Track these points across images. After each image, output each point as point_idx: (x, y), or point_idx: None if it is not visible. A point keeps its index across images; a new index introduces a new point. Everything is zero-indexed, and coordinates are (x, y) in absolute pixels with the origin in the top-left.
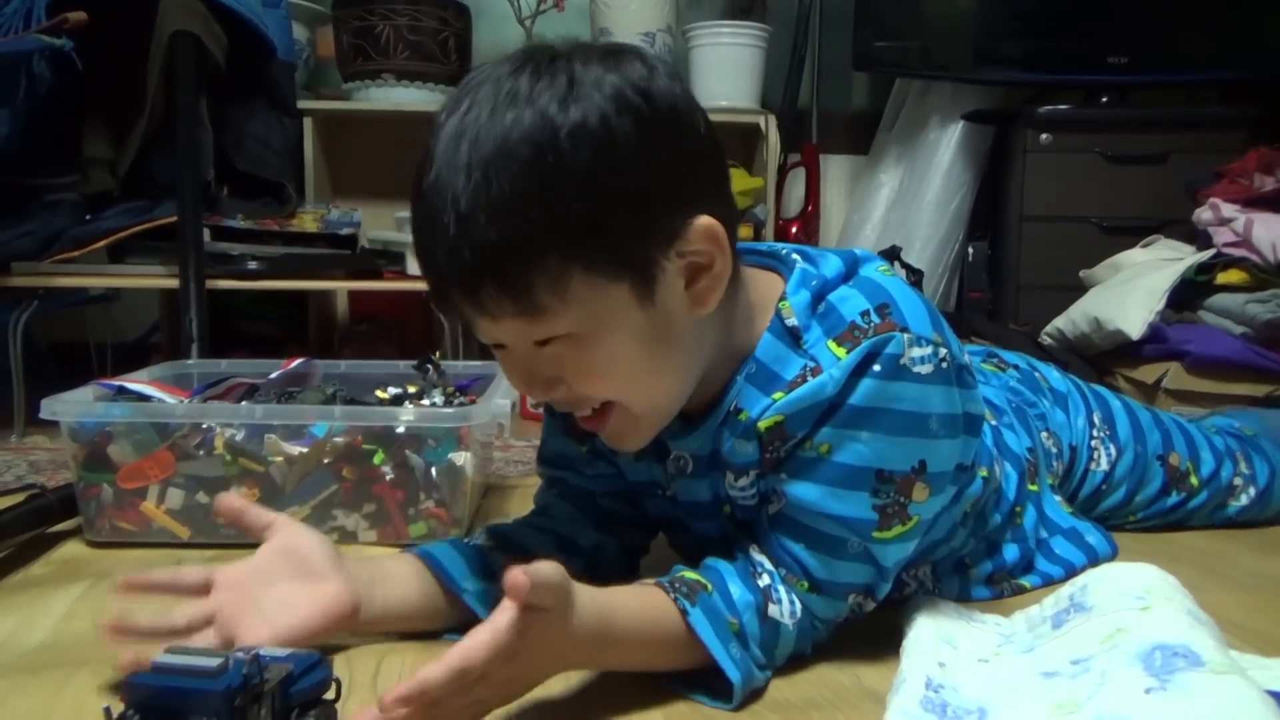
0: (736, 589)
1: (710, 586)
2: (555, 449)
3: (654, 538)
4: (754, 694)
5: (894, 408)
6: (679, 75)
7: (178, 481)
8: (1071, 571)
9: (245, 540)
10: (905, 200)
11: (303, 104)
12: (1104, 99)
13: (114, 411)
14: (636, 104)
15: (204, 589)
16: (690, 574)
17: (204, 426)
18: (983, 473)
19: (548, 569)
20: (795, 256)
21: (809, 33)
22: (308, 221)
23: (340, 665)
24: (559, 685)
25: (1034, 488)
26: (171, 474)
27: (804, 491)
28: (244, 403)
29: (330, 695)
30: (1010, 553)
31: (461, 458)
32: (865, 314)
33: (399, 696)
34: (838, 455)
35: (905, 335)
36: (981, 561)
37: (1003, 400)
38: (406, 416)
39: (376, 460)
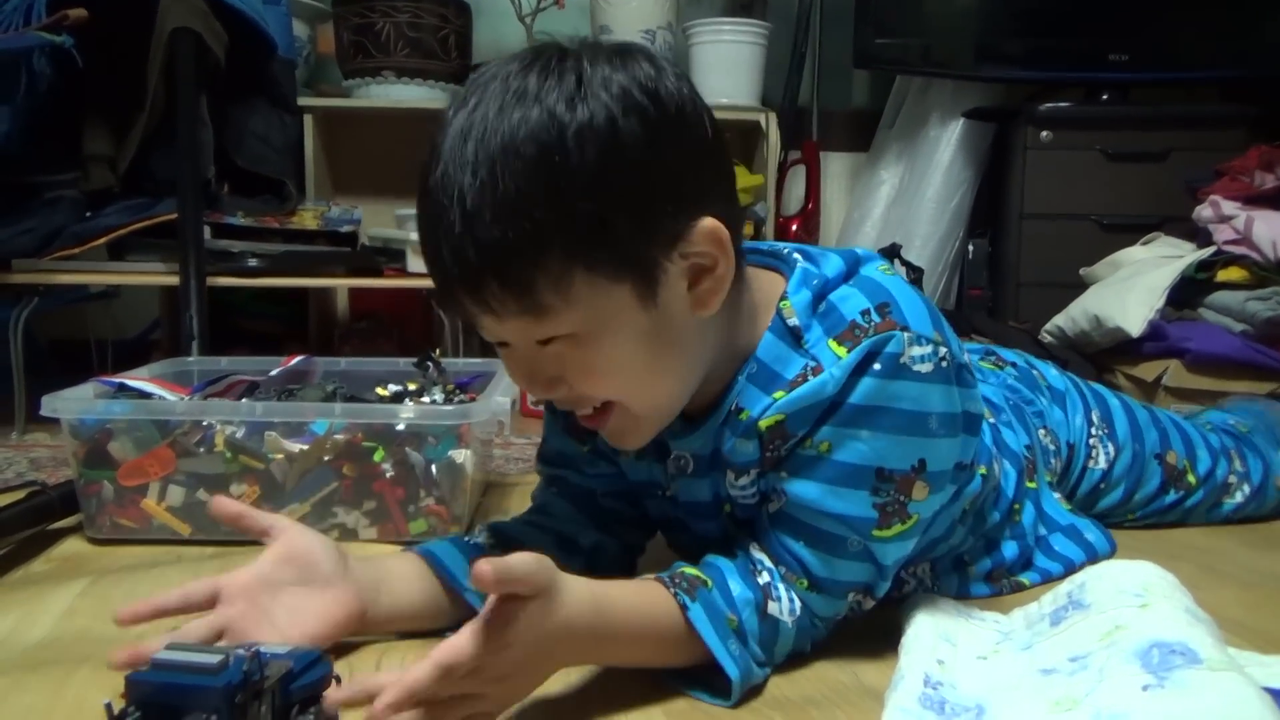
0: (736, 586)
1: (710, 583)
2: (556, 447)
3: (652, 538)
4: (753, 691)
5: (894, 406)
6: (686, 76)
7: (178, 479)
8: (1070, 568)
9: (245, 538)
10: (905, 198)
11: (303, 101)
12: (1104, 96)
13: (115, 409)
14: (643, 105)
15: (211, 601)
16: (690, 570)
17: (204, 424)
18: (982, 471)
19: (521, 559)
20: (797, 256)
21: (809, 30)
22: (308, 219)
23: (340, 662)
24: (559, 683)
25: (1032, 485)
26: (172, 471)
27: (804, 490)
28: (244, 400)
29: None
30: (1009, 550)
31: (461, 455)
32: (866, 313)
33: (388, 703)
34: (838, 454)
35: (905, 334)
36: (980, 559)
37: (1001, 398)
38: (407, 414)
39: (377, 457)
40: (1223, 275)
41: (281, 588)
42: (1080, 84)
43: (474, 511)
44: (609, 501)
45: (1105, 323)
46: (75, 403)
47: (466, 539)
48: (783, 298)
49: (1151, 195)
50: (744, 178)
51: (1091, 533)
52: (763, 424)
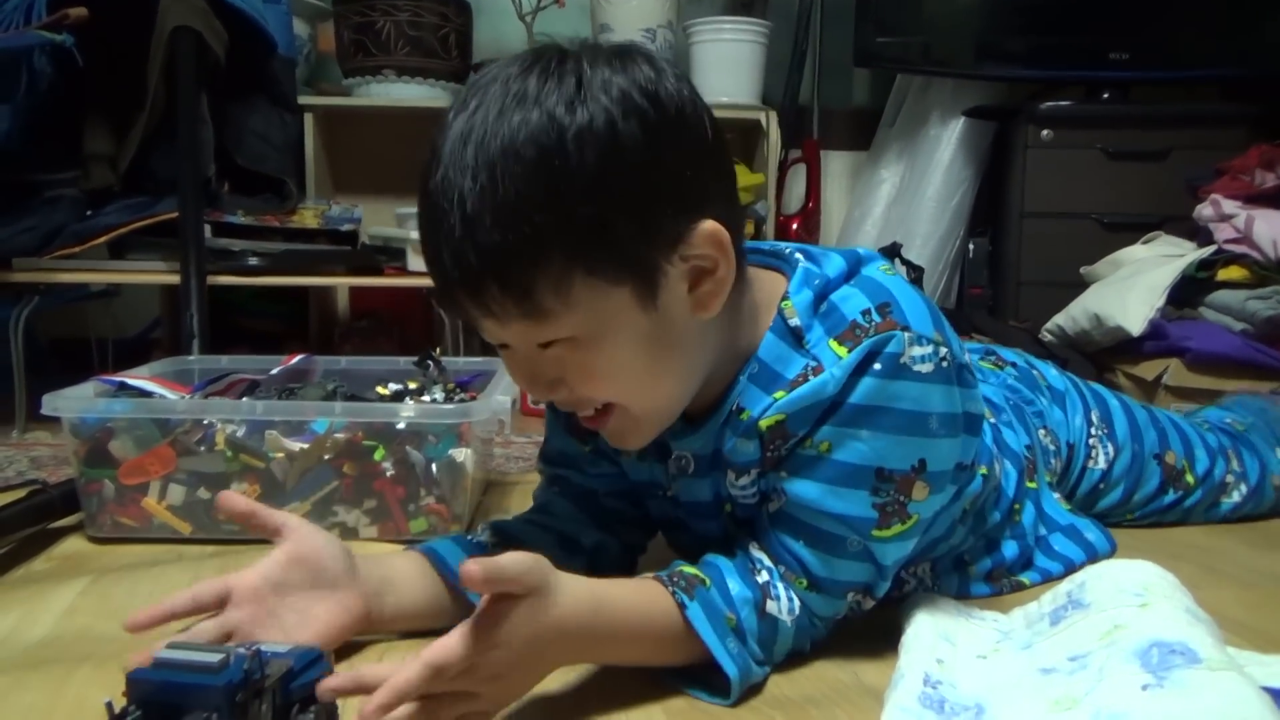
0: (735, 585)
1: (709, 582)
2: (558, 447)
3: (653, 538)
4: (753, 690)
5: (894, 406)
6: (686, 77)
7: (179, 477)
8: (1070, 568)
9: (246, 536)
10: (906, 196)
11: (303, 100)
12: (1105, 95)
13: (115, 407)
14: (643, 107)
15: (221, 602)
16: (689, 569)
17: (205, 422)
18: (983, 471)
19: (513, 558)
20: (798, 256)
21: (810, 28)
22: (308, 217)
23: (343, 663)
24: (558, 681)
25: (1033, 485)
26: (173, 470)
27: (804, 489)
28: (245, 399)
29: None
30: (1009, 550)
31: (462, 454)
32: (866, 313)
33: (378, 704)
34: (838, 453)
35: (906, 334)
36: (981, 559)
37: (1001, 398)
38: (407, 413)
39: (377, 456)
40: (1223, 274)
41: (289, 590)
42: (1081, 83)
43: (474, 510)
44: (611, 501)
45: (1106, 322)
46: (76, 401)
47: (469, 537)
48: (784, 298)
49: (1152, 194)
50: (744, 176)
51: (1092, 532)
52: (763, 424)
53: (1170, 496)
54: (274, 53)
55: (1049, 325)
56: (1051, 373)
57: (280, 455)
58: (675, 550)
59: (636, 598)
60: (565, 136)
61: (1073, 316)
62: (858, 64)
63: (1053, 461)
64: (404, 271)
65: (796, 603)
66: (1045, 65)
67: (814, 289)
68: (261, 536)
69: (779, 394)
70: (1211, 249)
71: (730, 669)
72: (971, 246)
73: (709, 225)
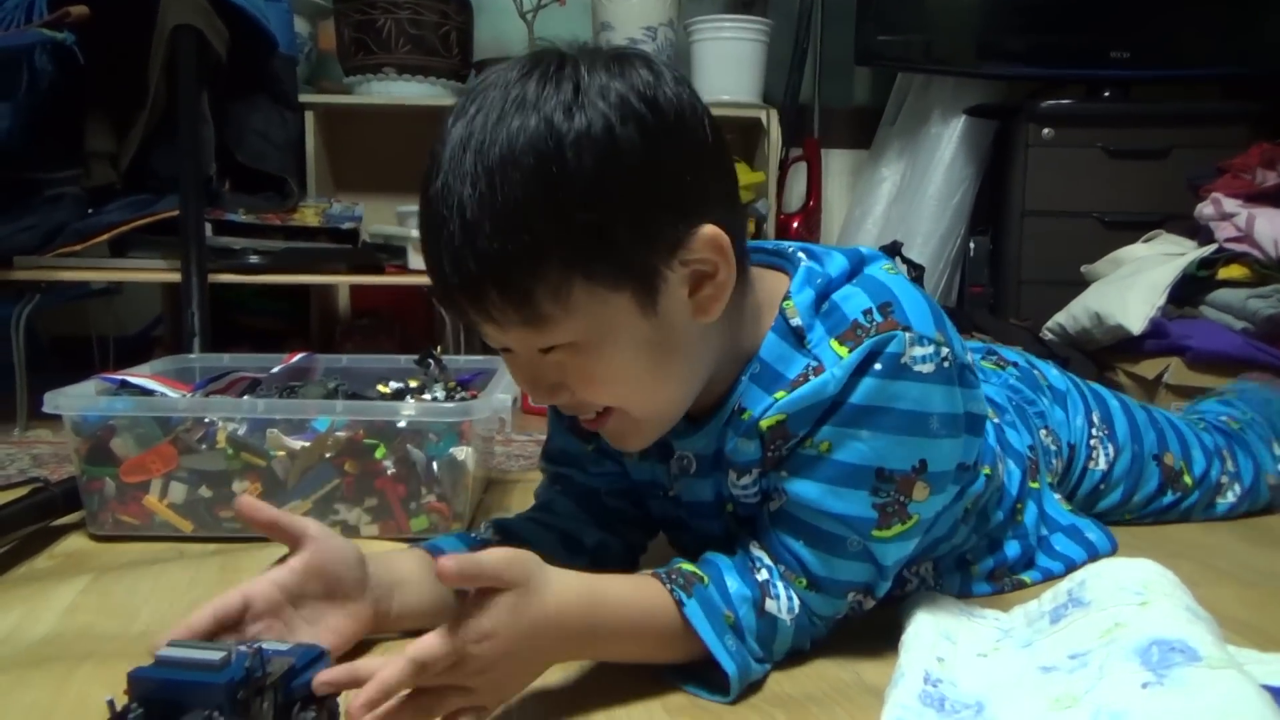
0: (733, 583)
1: (707, 579)
2: (560, 446)
3: (655, 537)
4: (753, 688)
5: (895, 407)
6: (686, 80)
7: (180, 475)
8: (1072, 567)
9: (247, 534)
10: (907, 195)
11: (304, 98)
12: (1106, 94)
13: (117, 405)
14: (641, 112)
15: (241, 613)
16: (687, 566)
17: (206, 421)
18: (985, 471)
19: (493, 554)
20: (801, 255)
21: (811, 27)
22: (309, 216)
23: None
24: (558, 678)
25: (1035, 485)
26: (174, 468)
27: (804, 489)
28: (246, 397)
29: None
30: (1012, 549)
31: (463, 452)
32: (868, 313)
33: (363, 702)
34: (838, 453)
35: (907, 334)
36: (983, 558)
37: (1004, 398)
38: (408, 411)
39: (378, 455)
40: (1224, 273)
41: (304, 601)
42: (1082, 81)
43: (475, 508)
44: (613, 500)
45: (1106, 320)
46: (77, 399)
47: (473, 535)
48: (786, 297)
49: (1153, 192)
50: (745, 175)
51: (1093, 532)
52: (764, 424)
53: (1169, 498)
54: (275, 51)
55: (1050, 324)
56: (1053, 373)
57: (281, 453)
58: (677, 550)
59: (634, 593)
60: (563, 143)
61: (1073, 315)
62: (859, 62)
63: (1054, 462)
64: (405, 270)
65: (796, 601)
66: (1046, 64)
67: (816, 288)
68: (263, 535)
69: (780, 394)
70: (1212, 247)
71: (728, 666)
72: (972, 245)
73: (709, 230)
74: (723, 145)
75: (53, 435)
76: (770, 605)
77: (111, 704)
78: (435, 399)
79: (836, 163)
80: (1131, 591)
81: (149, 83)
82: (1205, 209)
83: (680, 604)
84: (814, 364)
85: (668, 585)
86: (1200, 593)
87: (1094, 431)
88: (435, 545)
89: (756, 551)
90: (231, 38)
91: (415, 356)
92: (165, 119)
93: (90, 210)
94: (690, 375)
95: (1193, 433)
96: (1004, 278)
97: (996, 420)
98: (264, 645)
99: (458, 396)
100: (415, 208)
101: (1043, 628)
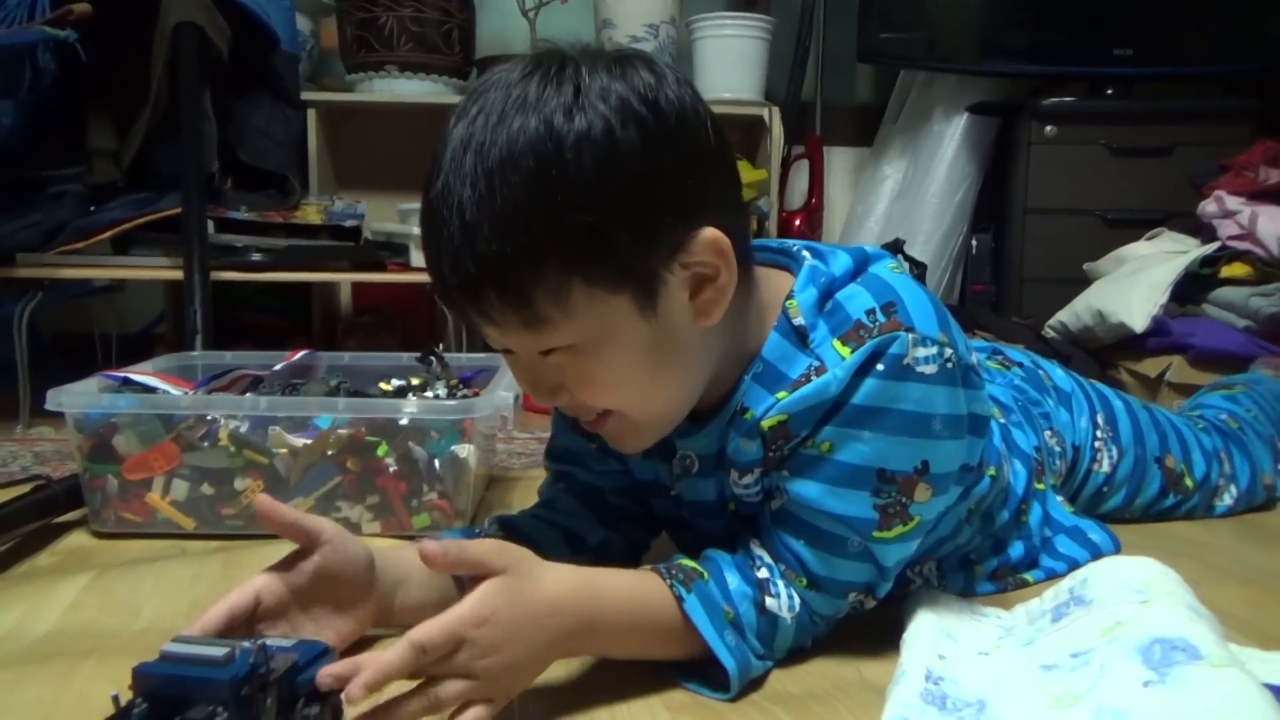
0: (733, 579)
1: (707, 575)
2: (564, 444)
3: (658, 536)
4: (754, 685)
5: (897, 408)
6: (689, 82)
7: (183, 473)
8: (1075, 567)
9: (249, 531)
10: (909, 193)
11: (306, 95)
12: (1109, 91)
13: (119, 403)
14: (642, 115)
15: (252, 610)
16: (688, 562)
17: (208, 418)
18: (990, 472)
19: (480, 543)
20: (805, 254)
21: (813, 24)
22: (311, 213)
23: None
24: (560, 675)
25: (1040, 486)
26: (176, 465)
27: (805, 489)
28: (248, 394)
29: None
30: (1016, 550)
31: (465, 450)
32: (871, 313)
33: (364, 683)
34: (839, 454)
35: (910, 335)
36: (987, 558)
37: (1010, 398)
38: (410, 409)
39: (380, 452)
40: (1226, 271)
41: (313, 604)
42: (1084, 79)
43: (477, 506)
44: (616, 499)
45: (1109, 318)
46: (80, 397)
47: (475, 530)
48: (789, 296)
49: (1156, 190)
50: (747, 173)
51: (1096, 533)
52: (765, 424)
53: (1170, 501)
54: (277, 48)
55: (1052, 322)
56: (1058, 373)
57: (283, 451)
58: (680, 549)
59: (634, 588)
60: (563, 145)
61: (1076, 313)
62: (861, 60)
63: (1057, 464)
64: (407, 267)
65: (797, 600)
66: (1049, 61)
67: (819, 287)
68: (264, 532)
69: (782, 394)
70: (1215, 245)
71: (728, 662)
72: (975, 243)
73: (710, 233)
74: (725, 147)
75: (55, 432)
76: (770, 603)
77: (116, 699)
78: (437, 396)
79: (838, 160)
80: (1133, 590)
81: (151, 80)
82: (1208, 207)
83: (680, 599)
84: (816, 364)
85: (668, 580)
86: (1201, 591)
87: (1098, 434)
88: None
89: (757, 550)
90: (234, 35)
91: (417, 354)
92: (167, 116)
93: (92, 208)
94: (691, 378)
95: (1193, 434)
96: (1006, 276)
97: (1002, 420)
98: (268, 641)
99: (460, 394)
100: (417, 205)
101: (1044, 626)
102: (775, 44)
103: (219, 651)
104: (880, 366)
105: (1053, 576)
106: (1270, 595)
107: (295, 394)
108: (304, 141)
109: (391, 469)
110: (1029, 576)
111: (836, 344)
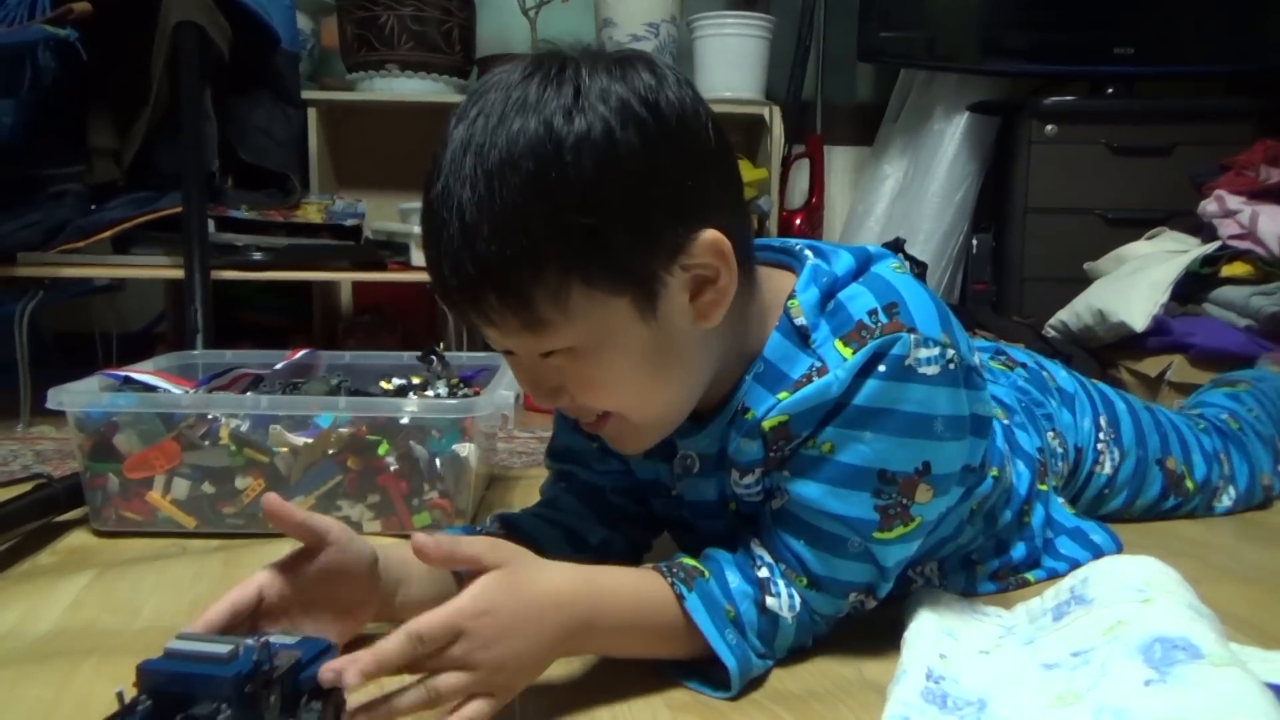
0: (734, 578)
1: (708, 574)
2: (565, 443)
3: (659, 536)
4: (755, 684)
5: (898, 409)
6: (690, 83)
7: (183, 471)
8: (1076, 568)
9: (250, 530)
10: (910, 192)
11: (307, 94)
12: (1110, 90)
13: (120, 402)
14: (642, 116)
15: (255, 605)
16: (689, 561)
17: (209, 417)
18: (993, 473)
19: (473, 539)
20: (808, 253)
21: (814, 24)
22: (312, 212)
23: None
24: (562, 673)
25: (1043, 488)
26: (177, 464)
27: (806, 489)
28: (249, 393)
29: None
30: (1018, 551)
31: (465, 449)
32: (873, 313)
33: (360, 670)
34: (840, 455)
35: (912, 336)
36: (989, 559)
37: (1012, 399)
38: (410, 408)
39: (381, 451)
40: (1227, 270)
41: (314, 605)
42: (1085, 78)
43: (477, 505)
44: (617, 498)
45: (1109, 318)
46: (81, 396)
47: (477, 528)
48: (791, 296)
49: (1156, 190)
50: (748, 172)
51: (1097, 534)
52: (766, 424)
53: (1170, 502)
54: (277, 47)
55: (1053, 321)
56: (1061, 374)
57: (284, 450)
58: (681, 548)
59: (634, 585)
60: (562, 146)
61: (1076, 312)
62: (861, 59)
63: (1060, 465)
64: (407, 266)
65: (797, 599)
66: (1049, 60)
67: (821, 287)
68: (265, 531)
69: (783, 394)
70: (1215, 245)
71: (729, 660)
72: (975, 242)
73: (710, 235)
74: (726, 149)
75: (56, 431)
76: (771, 602)
77: (121, 695)
78: (438, 395)
79: (839, 159)
80: (1134, 589)
81: (152, 79)
82: (1208, 206)
83: (681, 598)
84: (818, 365)
85: (669, 579)
86: (1202, 590)
87: (1101, 436)
88: None
89: (758, 549)
90: (234, 34)
91: (418, 353)
92: (168, 115)
93: (93, 207)
94: (691, 380)
95: (1193, 435)
96: (1007, 275)
97: (1005, 421)
98: (271, 638)
99: (460, 393)
100: (418, 204)
101: (1045, 625)
102: (776, 43)
103: (223, 649)
104: (882, 367)
105: (1054, 576)
106: (1270, 594)
107: (296, 393)
108: (305, 140)
109: (392, 468)
110: (1030, 576)
111: (838, 344)
